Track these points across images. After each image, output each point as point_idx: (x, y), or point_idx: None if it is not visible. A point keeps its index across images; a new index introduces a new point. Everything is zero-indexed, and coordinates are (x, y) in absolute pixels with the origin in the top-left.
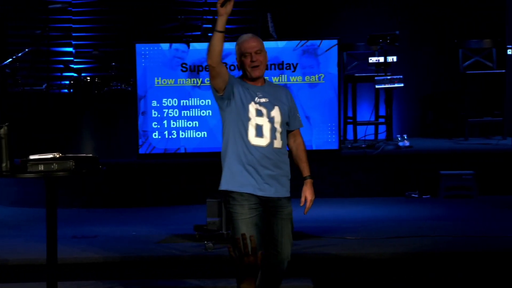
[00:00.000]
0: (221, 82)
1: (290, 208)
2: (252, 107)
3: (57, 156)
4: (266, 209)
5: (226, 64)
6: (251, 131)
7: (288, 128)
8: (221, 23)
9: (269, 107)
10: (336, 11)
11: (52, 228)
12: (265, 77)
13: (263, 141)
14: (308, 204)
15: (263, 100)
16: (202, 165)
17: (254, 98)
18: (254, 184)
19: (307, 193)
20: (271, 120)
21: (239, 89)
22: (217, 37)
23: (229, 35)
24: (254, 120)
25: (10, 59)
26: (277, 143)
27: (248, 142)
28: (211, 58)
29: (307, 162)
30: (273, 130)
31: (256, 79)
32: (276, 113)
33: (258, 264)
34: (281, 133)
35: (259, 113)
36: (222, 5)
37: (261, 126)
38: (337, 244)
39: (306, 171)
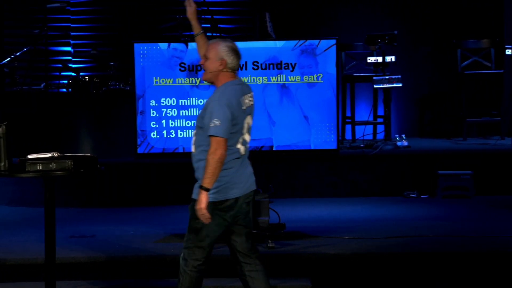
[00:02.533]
0: None
1: (191, 211)
2: None
3: (56, 155)
4: None
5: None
6: None
7: None
8: (192, 28)
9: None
10: (334, 11)
11: (50, 227)
12: (232, 81)
13: None
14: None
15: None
16: None
17: None
18: None
19: None
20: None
21: None
22: (196, 41)
23: (228, 35)
24: None
25: (8, 58)
26: (192, 147)
27: None
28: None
29: (206, 173)
30: (194, 132)
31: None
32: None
33: None
34: (195, 136)
35: None
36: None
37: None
38: (336, 244)
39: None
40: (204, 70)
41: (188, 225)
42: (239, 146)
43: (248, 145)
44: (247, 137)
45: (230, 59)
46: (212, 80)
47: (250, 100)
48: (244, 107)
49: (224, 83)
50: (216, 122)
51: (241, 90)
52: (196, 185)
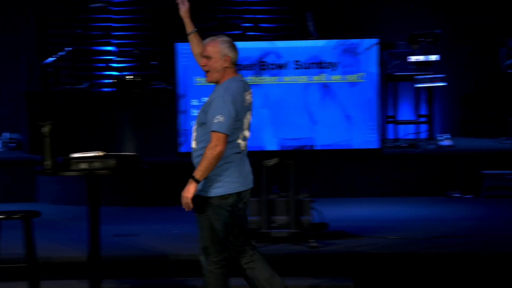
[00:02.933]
0: None
1: (201, 208)
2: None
3: (99, 154)
4: None
5: (266, 63)
6: None
7: None
8: (185, 26)
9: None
10: (376, 10)
11: (95, 226)
12: (234, 77)
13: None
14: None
15: (207, 99)
16: None
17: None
18: None
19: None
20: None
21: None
22: (189, 40)
23: (269, 34)
24: None
25: (52, 58)
26: (193, 143)
27: None
28: (197, 61)
29: (200, 166)
30: (194, 128)
31: (214, 82)
32: (199, 112)
33: None
34: (196, 132)
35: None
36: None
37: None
38: (378, 243)
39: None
40: (207, 71)
41: (198, 225)
42: (239, 141)
43: (247, 141)
44: (247, 133)
45: (232, 54)
46: (217, 79)
47: (250, 97)
48: (245, 104)
49: (227, 79)
50: (220, 118)
51: (243, 87)
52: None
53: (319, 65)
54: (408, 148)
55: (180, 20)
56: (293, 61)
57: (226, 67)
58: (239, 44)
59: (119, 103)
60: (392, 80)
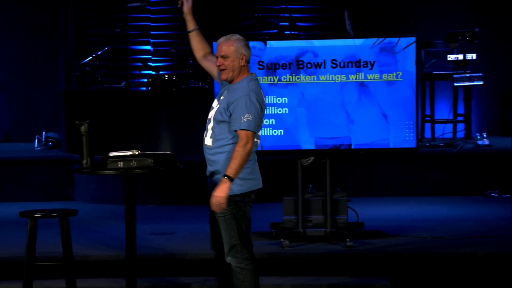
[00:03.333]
0: (213, 76)
1: (217, 210)
2: (214, 103)
3: (136, 153)
4: None
5: (302, 62)
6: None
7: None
8: (187, 24)
9: (218, 103)
10: (414, 8)
11: (131, 224)
12: (250, 76)
13: (204, 135)
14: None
15: (221, 97)
16: (279, 163)
17: (220, 95)
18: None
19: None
20: (212, 116)
21: (221, 85)
22: (189, 37)
23: (306, 33)
24: (209, 115)
25: (90, 58)
26: (207, 140)
27: None
28: (195, 56)
29: (232, 164)
30: (209, 126)
31: (228, 81)
32: (215, 110)
33: None
34: (213, 130)
35: (211, 109)
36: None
37: (207, 121)
38: (415, 243)
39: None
40: (223, 68)
41: (222, 226)
42: (256, 140)
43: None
44: (260, 132)
45: (247, 52)
46: (233, 77)
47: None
48: (264, 102)
49: (243, 77)
50: (249, 116)
51: (260, 85)
52: (213, 179)
53: (356, 64)
54: (445, 148)
55: (218, 18)
56: (330, 60)
57: (242, 66)
58: (277, 43)
59: (156, 102)
60: (430, 79)
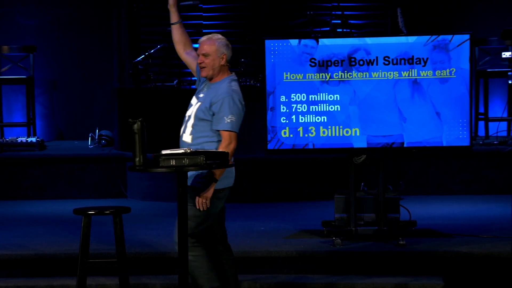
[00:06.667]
0: (192, 70)
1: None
2: (193, 100)
3: (188, 151)
4: None
5: (354, 59)
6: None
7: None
8: (171, 16)
9: (199, 101)
10: (468, 5)
11: (183, 222)
12: (231, 75)
13: (182, 131)
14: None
15: (201, 95)
16: (330, 161)
17: (199, 92)
18: None
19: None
20: (192, 113)
21: (199, 81)
22: (172, 29)
23: (358, 31)
24: (187, 112)
25: (143, 56)
26: (186, 137)
27: None
28: (175, 48)
29: None
30: (189, 123)
31: (208, 79)
32: (196, 107)
33: None
34: (193, 127)
35: (190, 106)
36: None
37: (186, 118)
38: (469, 242)
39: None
40: (204, 66)
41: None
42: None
43: None
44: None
45: (228, 52)
46: (212, 75)
47: None
48: (243, 102)
49: (224, 77)
50: (232, 118)
51: (239, 85)
52: (194, 174)
53: (409, 60)
54: (499, 146)
55: (270, 17)
56: (382, 56)
57: (223, 65)
58: (329, 41)
59: None
60: (484, 77)
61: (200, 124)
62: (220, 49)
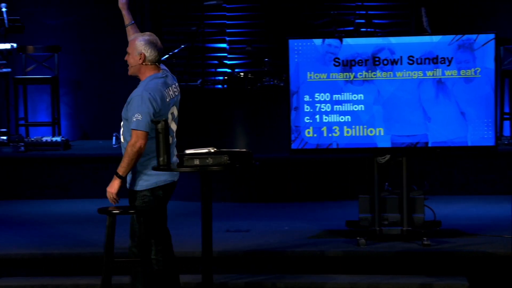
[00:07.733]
0: None
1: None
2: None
3: (212, 151)
4: None
5: (379, 58)
6: None
7: None
8: (124, 18)
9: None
10: (492, 4)
11: (207, 221)
12: (155, 74)
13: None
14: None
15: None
16: (355, 161)
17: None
18: None
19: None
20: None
21: None
22: (127, 31)
23: (382, 30)
24: None
25: (167, 56)
26: (121, 137)
27: None
28: None
29: (122, 162)
30: (122, 123)
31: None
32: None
33: None
34: (122, 127)
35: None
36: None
37: None
38: (494, 242)
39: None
40: (128, 64)
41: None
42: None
43: (174, 134)
44: (173, 126)
45: (148, 53)
46: (136, 73)
47: (174, 92)
48: (168, 99)
49: (147, 77)
50: (138, 116)
51: (165, 83)
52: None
53: (434, 60)
54: None
55: (292, 17)
56: (406, 56)
57: (142, 64)
58: (352, 41)
59: (231, 100)
60: (509, 76)
61: (125, 124)
62: (138, 48)
